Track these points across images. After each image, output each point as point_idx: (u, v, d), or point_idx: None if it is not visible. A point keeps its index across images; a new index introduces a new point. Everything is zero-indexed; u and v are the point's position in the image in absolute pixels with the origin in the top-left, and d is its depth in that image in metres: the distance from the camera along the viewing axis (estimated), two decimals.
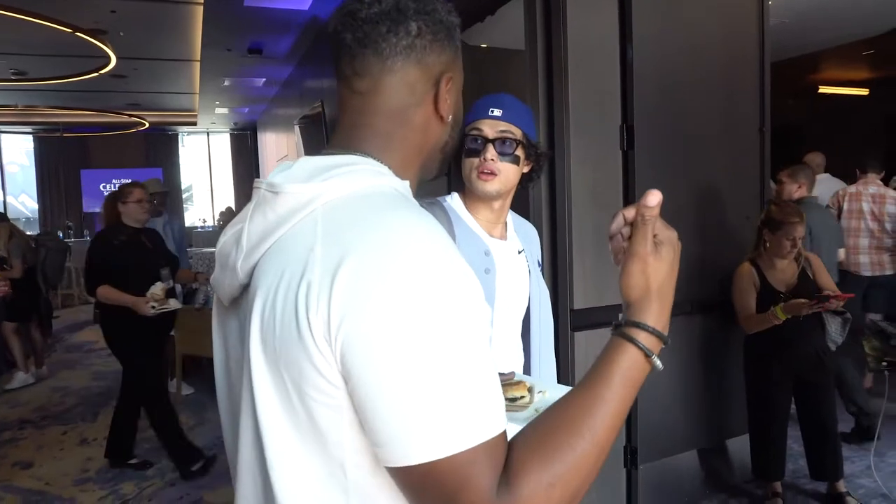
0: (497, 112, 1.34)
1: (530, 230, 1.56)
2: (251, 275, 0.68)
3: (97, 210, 13.66)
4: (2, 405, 4.83)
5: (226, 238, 0.74)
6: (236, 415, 0.72)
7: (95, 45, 6.50)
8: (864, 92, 8.62)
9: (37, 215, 13.81)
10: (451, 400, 0.56)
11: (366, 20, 0.72)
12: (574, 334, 2.41)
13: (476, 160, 1.35)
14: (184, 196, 14.98)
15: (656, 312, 0.69)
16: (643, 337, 0.67)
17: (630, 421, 2.55)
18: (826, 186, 4.59)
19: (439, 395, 0.56)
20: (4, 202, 13.29)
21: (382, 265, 0.58)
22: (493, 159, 1.33)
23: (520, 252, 1.47)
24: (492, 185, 1.35)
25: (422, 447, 0.56)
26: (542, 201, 2.47)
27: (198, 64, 7.99)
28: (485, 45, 4.37)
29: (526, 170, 1.40)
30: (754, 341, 2.63)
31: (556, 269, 2.46)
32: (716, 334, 2.78)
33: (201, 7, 5.70)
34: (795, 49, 6.46)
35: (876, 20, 5.47)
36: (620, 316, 0.74)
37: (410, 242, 0.60)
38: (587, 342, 2.42)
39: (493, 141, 1.34)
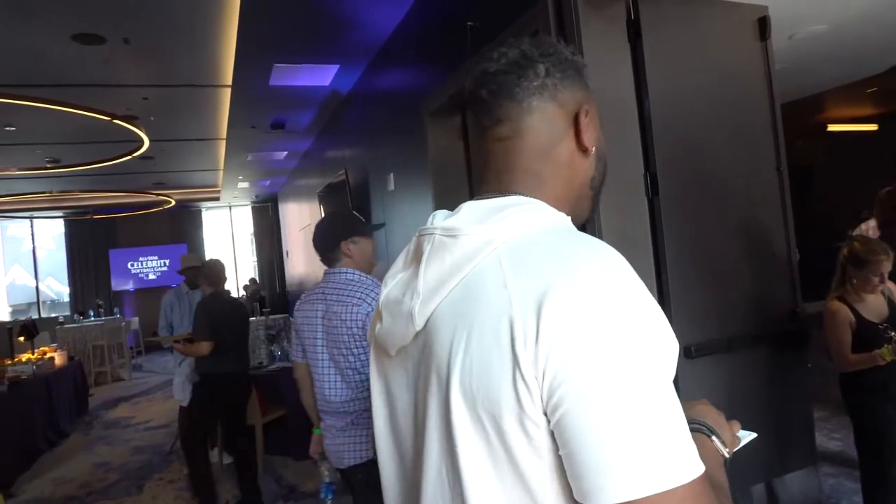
0: None
1: None
2: (430, 322, 0.69)
3: (126, 288, 14.04)
4: (48, 483, 4.88)
5: (391, 287, 0.76)
6: (405, 463, 0.73)
7: (129, 129, 6.85)
8: (873, 127, 8.76)
9: (65, 297, 14.14)
10: (658, 437, 0.56)
11: (497, 72, 0.78)
12: None
13: None
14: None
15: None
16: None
17: None
18: None
19: (648, 431, 0.56)
20: (37, 288, 13.66)
21: (589, 299, 0.58)
22: None
23: None
24: None
25: (627, 484, 0.55)
26: None
27: (223, 142, 8.34)
28: None
29: None
30: (856, 377, 2.58)
31: None
32: (759, 366, 2.80)
33: (229, 89, 6.03)
34: (798, 92, 6.65)
35: (876, 60, 5.65)
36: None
37: (611, 276, 0.61)
38: None
39: None
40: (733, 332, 2.71)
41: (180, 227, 14.78)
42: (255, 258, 15.47)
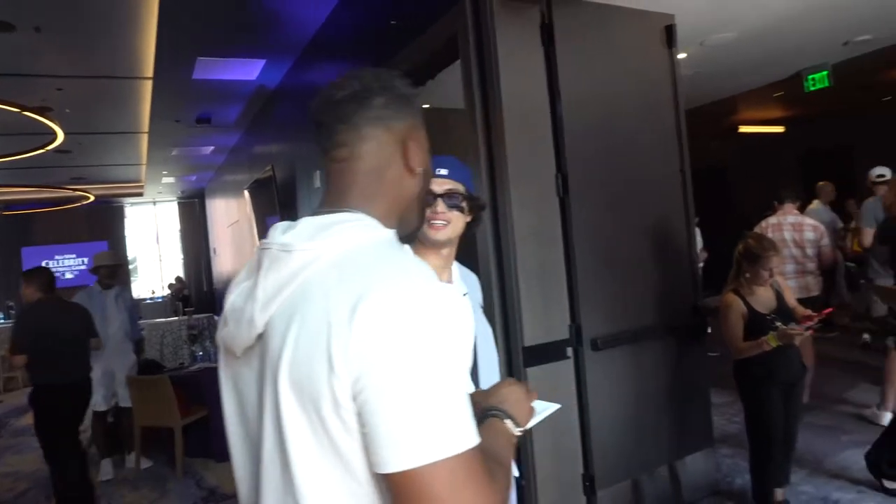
0: (443, 172, 1.55)
1: (473, 277, 1.75)
2: (268, 326, 0.79)
3: None
4: None
5: (234, 295, 0.85)
6: (256, 455, 0.81)
7: (42, 122, 6.51)
8: (780, 129, 9.31)
9: None
10: (435, 414, 0.69)
11: (340, 101, 0.88)
12: (527, 370, 2.56)
13: (428, 212, 1.53)
14: (130, 268, 14.68)
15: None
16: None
17: (585, 449, 2.68)
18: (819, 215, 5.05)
19: (424, 412, 0.69)
20: None
21: (393, 305, 0.71)
22: (442, 211, 1.53)
23: (464, 295, 1.64)
24: (443, 234, 1.54)
25: (410, 454, 0.68)
26: (488, 246, 2.65)
27: (145, 136, 8.04)
28: (427, 106, 4.63)
29: (469, 219, 1.60)
30: (746, 365, 2.77)
31: (506, 308, 2.62)
32: (662, 357, 2.97)
33: (150, 81, 5.83)
34: (711, 95, 7.01)
35: (781, 66, 6.03)
36: None
37: (414, 285, 0.74)
38: (538, 376, 2.56)
39: (441, 196, 1.53)
40: (638, 324, 2.87)
41: (101, 224, 14.11)
42: (182, 255, 14.98)
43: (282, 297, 0.78)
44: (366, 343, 0.69)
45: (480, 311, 1.72)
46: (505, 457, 0.88)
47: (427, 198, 1.54)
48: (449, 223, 1.54)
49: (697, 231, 4.21)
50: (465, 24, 2.73)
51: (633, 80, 3.00)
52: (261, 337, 0.80)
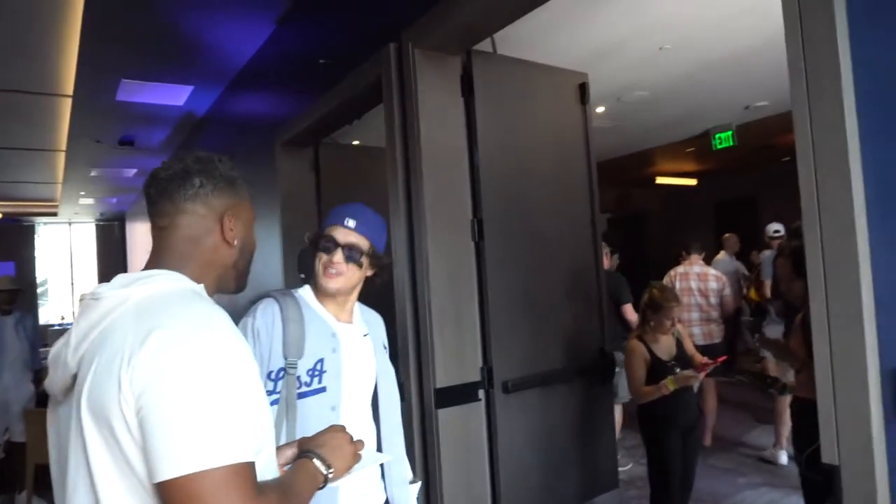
0: (351, 223, 1.58)
1: (375, 318, 1.78)
2: (79, 364, 0.89)
3: None
4: None
5: (56, 346, 0.95)
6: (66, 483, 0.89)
7: None
8: (692, 182, 9.89)
9: None
10: (203, 429, 0.79)
11: (163, 179, 1.04)
12: (438, 412, 2.59)
13: (326, 258, 1.56)
14: (38, 291, 13.84)
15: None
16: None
17: (494, 492, 2.72)
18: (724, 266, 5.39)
19: (195, 425, 0.79)
20: None
21: (178, 334, 0.83)
22: (339, 262, 1.56)
23: (364, 335, 1.67)
24: (335, 283, 1.57)
25: (178, 463, 0.77)
26: (404, 287, 2.69)
27: (62, 154, 7.71)
28: (356, 143, 4.68)
29: (369, 273, 1.63)
30: (649, 409, 2.92)
31: (420, 350, 2.65)
32: (570, 399, 3.06)
33: (70, 99, 5.63)
34: (631, 146, 7.40)
35: (692, 124, 6.45)
36: None
37: (196, 319, 0.87)
38: (449, 418, 2.60)
39: (342, 246, 1.55)
40: (548, 367, 2.96)
41: (7, 244, 13.29)
42: (97, 279, 14.26)
43: (90, 338, 0.89)
44: (148, 365, 0.81)
45: (383, 350, 1.75)
46: (300, 491, 1.00)
47: (327, 245, 1.59)
48: (342, 274, 1.56)
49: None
50: (388, 70, 2.81)
51: (549, 133, 3.15)
52: (75, 377, 0.90)
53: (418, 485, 1.84)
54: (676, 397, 2.79)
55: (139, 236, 11.25)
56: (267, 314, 1.54)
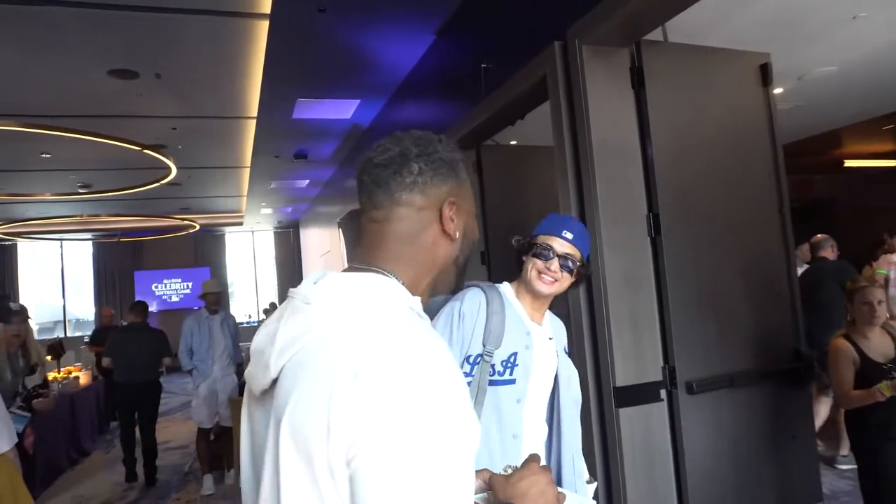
0: (569, 236, 1.70)
1: (559, 324, 1.86)
2: (281, 372, 0.79)
3: (150, 309, 14.27)
4: (69, 501, 4.99)
5: (260, 337, 0.86)
6: (258, 491, 0.81)
7: (157, 158, 7.12)
8: (892, 163, 8.74)
9: (90, 317, 14.47)
10: (429, 495, 0.67)
11: (378, 165, 0.91)
12: (619, 410, 2.53)
13: (541, 264, 1.68)
14: (230, 292, 15.55)
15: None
16: None
17: (680, 496, 2.60)
18: None
19: (420, 490, 0.67)
20: (64, 307, 14.01)
21: (396, 375, 0.70)
22: (555, 270, 1.68)
23: (549, 339, 1.76)
24: (549, 289, 1.69)
25: None
26: (580, 288, 2.66)
27: (247, 170, 8.59)
28: (513, 142, 4.72)
29: (573, 280, 1.73)
30: (859, 415, 2.65)
31: (598, 350, 2.61)
32: (762, 402, 2.84)
33: (254, 121, 6.26)
34: (813, 129, 6.69)
35: (890, 98, 5.70)
36: None
37: (418, 359, 0.73)
38: (631, 418, 2.53)
39: (559, 256, 1.68)
40: (736, 368, 2.77)
41: (203, 251, 15.09)
42: (276, 281, 15.71)
43: (296, 347, 0.78)
44: (363, 411, 0.69)
45: (564, 353, 1.82)
46: None
47: (545, 252, 1.67)
48: (557, 281, 1.69)
49: None
50: (554, 68, 2.80)
51: (727, 120, 2.95)
52: (275, 382, 0.80)
53: (595, 485, 1.85)
54: (894, 403, 2.48)
55: (311, 241, 12.20)
56: (474, 302, 1.66)
